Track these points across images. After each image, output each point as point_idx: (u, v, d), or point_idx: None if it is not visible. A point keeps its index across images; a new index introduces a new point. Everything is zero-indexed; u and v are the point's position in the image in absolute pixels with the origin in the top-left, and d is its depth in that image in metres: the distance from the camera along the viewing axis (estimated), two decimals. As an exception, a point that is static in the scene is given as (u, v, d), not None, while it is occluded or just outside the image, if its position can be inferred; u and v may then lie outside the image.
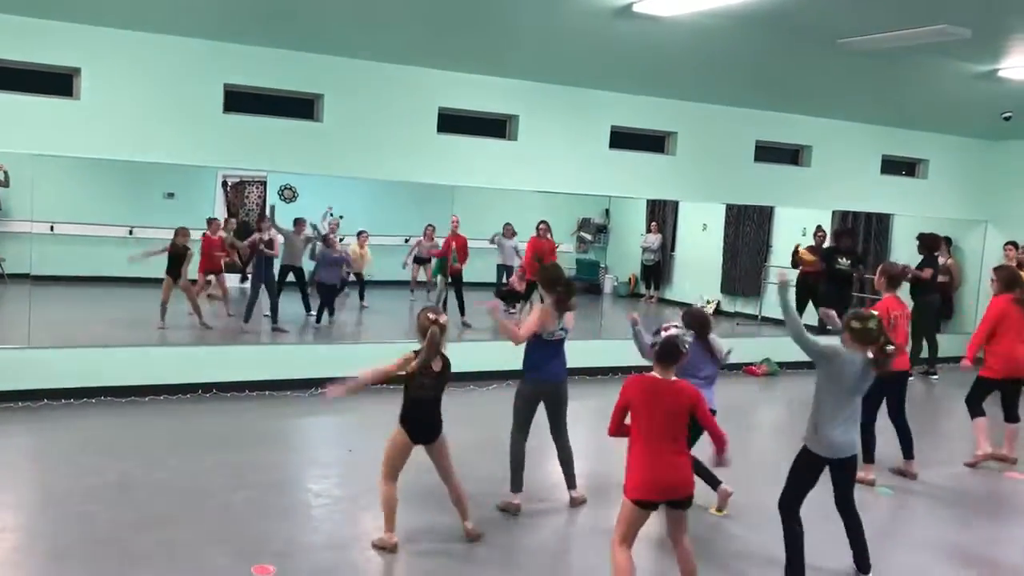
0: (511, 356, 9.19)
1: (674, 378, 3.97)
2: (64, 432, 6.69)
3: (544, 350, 5.39)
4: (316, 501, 5.44)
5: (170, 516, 5.00)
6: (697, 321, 5.26)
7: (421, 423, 4.76)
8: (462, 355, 9.04)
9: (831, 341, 4.59)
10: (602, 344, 10.21)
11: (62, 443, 6.40)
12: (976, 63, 7.16)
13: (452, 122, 8.68)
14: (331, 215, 11.55)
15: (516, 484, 5.43)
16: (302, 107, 8.14)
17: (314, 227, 11.18)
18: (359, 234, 12.03)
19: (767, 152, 10.48)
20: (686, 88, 9.21)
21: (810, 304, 11.52)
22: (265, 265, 10.14)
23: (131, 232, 11.99)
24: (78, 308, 10.48)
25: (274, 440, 6.79)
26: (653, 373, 3.98)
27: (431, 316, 4.68)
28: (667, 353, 3.95)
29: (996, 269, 7.22)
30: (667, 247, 14.56)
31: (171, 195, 12.21)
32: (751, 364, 10.40)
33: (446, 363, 4.78)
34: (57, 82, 7.18)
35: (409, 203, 11.89)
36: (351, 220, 12.59)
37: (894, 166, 11.45)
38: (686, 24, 6.21)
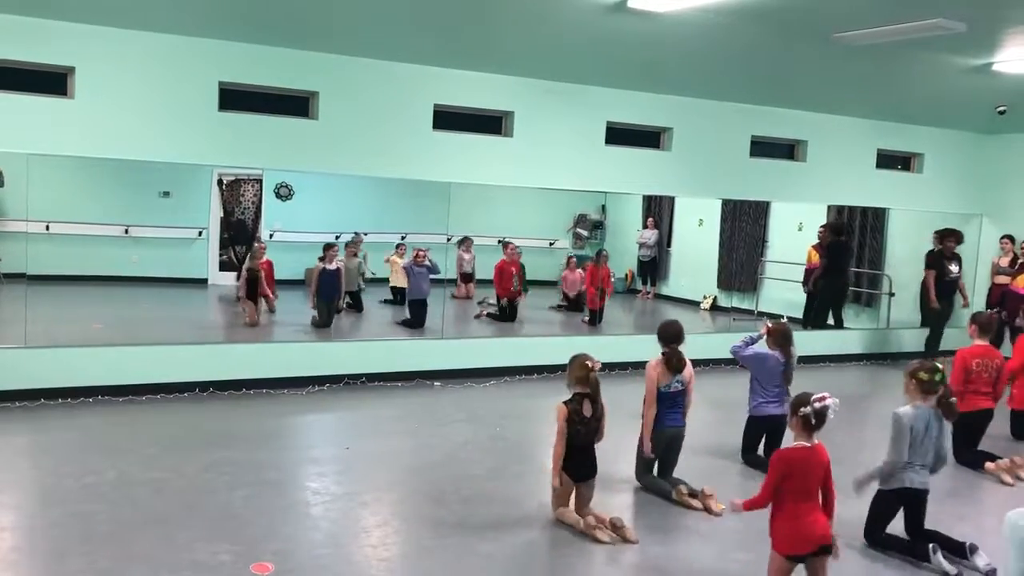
0: (508, 353, 9.32)
1: (816, 442, 4.22)
2: (62, 431, 6.68)
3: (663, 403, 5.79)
4: (314, 499, 5.44)
5: (169, 515, 5.00)
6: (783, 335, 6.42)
7: (581, 465, 5.10)
8: (460, 352, 9.20)
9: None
10: (601, 340, 10.23)
11: (60, 443, 6.39)
12: (971, 57, 7.17)
13: (448, 119, 8.67)
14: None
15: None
16: (297, 105, 8.13)
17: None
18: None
19: (763, 147, 10.48)
20: (681, 84, 9.21)
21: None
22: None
23: (127, 231, 11.98)
24: (74, 307, 10.45)
25: (272, 438, 6.79)
26: (800, 443, 4.20)
27: (588, 364, 5.02)
28: (819, 421, 4.20)
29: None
30: (663, 243, 14.56)
31: (167, 194, 12.21)
32: (748, 359, 10.38)
33: (597, 409, 5.07)
34: (51, 81, 7.16)
35: (405, 200, 11.89)
36: (347, 218, 12.59)
37: (889, 160, 11.46)
38: (681, 19, 6.21)
